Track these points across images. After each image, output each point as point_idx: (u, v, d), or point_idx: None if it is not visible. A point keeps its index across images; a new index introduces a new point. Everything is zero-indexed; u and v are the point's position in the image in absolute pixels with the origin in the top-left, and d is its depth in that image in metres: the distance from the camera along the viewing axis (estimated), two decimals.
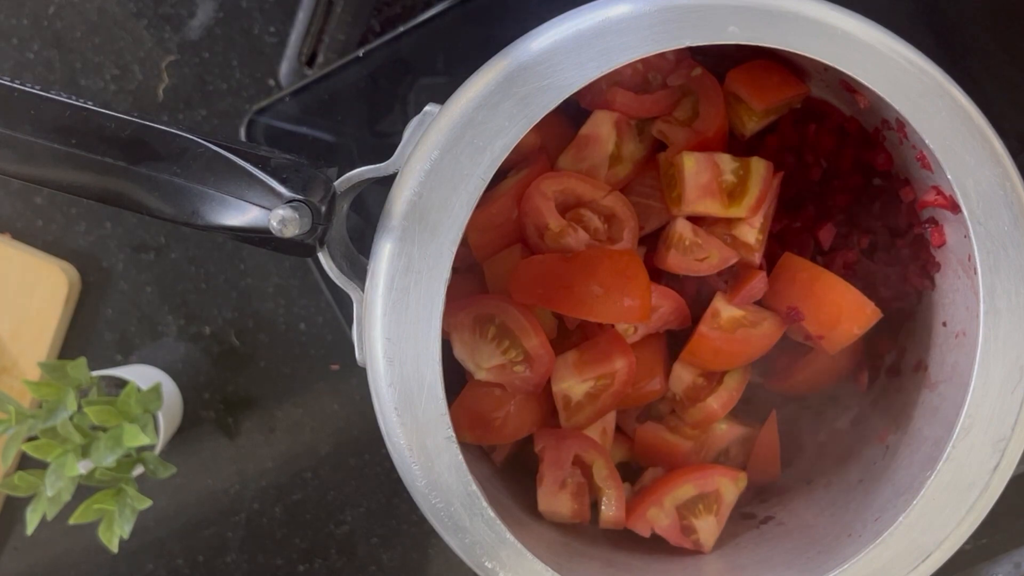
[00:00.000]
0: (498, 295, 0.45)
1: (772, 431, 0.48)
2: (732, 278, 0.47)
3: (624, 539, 0.45)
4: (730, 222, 0.46)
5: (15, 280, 0.62)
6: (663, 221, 0.47)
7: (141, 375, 0.60)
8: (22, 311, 0.62)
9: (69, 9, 0.61)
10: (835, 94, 0.46)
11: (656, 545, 0.45)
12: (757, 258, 0.46)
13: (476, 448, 0.48)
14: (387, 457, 0.37)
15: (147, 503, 0.55)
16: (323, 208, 0.34)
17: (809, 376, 0.49)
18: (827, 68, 0.36)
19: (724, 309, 0.46)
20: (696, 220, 0.46)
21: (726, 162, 0.45)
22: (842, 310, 0.44)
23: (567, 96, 0.35)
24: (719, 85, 0.46)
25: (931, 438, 0.39)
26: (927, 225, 0.42)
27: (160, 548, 0.65)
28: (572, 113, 0.47)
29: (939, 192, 0.39)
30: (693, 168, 0.44)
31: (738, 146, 0.48)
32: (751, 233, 0.45)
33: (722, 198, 0.44)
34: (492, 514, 0.36)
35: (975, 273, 0.36)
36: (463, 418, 0.45)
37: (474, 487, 0.36)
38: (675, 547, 0.45)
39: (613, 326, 0.45)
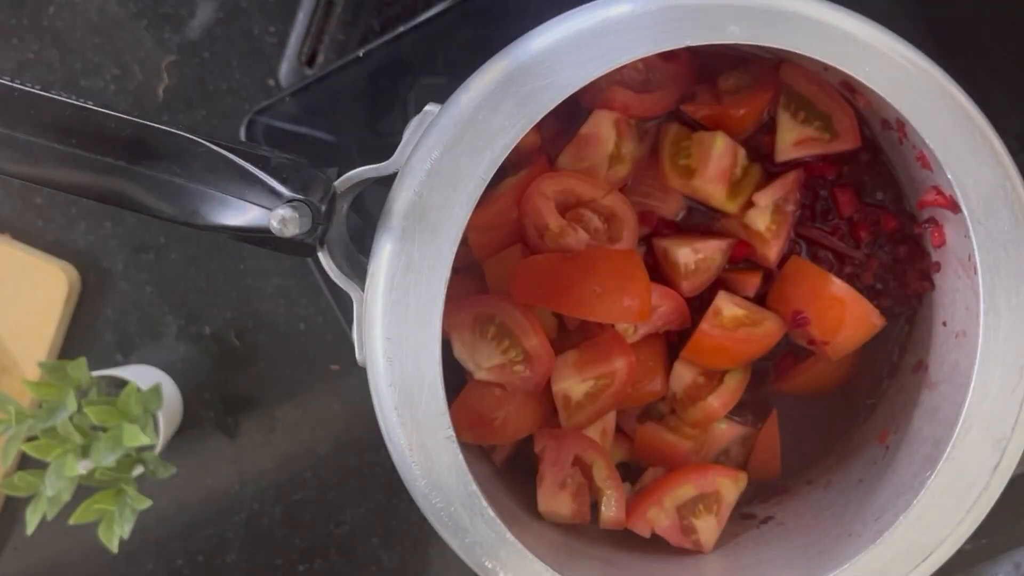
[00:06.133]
0: (498, 295, 0.44)
1: (772, 431, 0.48)
2: (736, 274, 0.47)
3: (624, 539, 0.45)
4: (743, 212, 0.46)
5: (15, 280, 0.62)
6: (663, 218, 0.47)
7: (141, 375, 0.60)
8: (22, 311, 0.62)
9: (69, 9, 0.61)
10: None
11: (656, 545, 0.45)
12: (772, 251, 0.45)
13: (476, 448, 0.48)
14: (387, 457, 0.37)
15: (147, 503, 0.55)
16: (323, 208, 0.34)
17: (810, 379, 0.49)
18: (827, 68, 0.36)
19: (726, 307, 0.46)
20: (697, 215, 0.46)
21: (741, 156, 0.45)
22: (847, 317, 0.44)
23: (567, 96, 0.35)
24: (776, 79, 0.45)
25: (931, 438, 0.39)
26: (927, 225, 0.42)
27: (160, 548, 0.65)
28: (572, 113, 0.47)
29: (939, 192, 0.39)
30: (721, 150, 0.44)
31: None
32: (761, 220, 0.45)
33: (728, 188, 0.45)
34: (492, 514, 0.36)
35: (975, 273, 0.36)
36: (463, 418, 0.44)
37: (474, 487, 0.36)
38: (675, 547, 0.45)
39: (613, 326, 0.45)
